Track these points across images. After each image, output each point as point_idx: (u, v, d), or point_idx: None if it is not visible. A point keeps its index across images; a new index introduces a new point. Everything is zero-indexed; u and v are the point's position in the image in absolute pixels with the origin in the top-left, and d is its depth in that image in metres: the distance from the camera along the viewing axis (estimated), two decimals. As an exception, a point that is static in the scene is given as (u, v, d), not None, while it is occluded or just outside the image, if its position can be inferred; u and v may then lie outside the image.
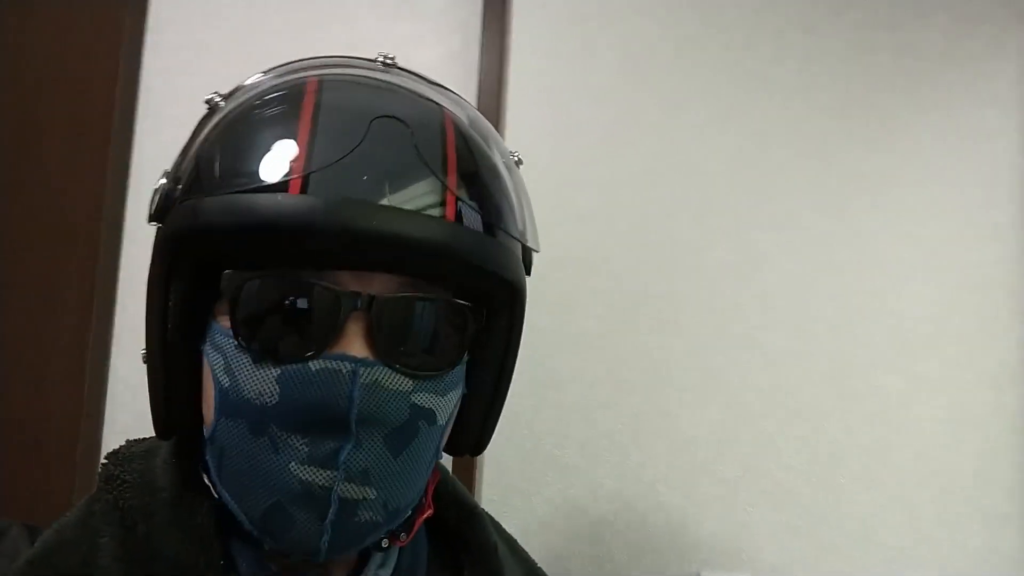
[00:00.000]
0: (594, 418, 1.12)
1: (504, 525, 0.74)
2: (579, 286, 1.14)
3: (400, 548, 0.63)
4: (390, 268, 0.54)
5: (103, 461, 0.63)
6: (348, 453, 0.51)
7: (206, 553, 0.56)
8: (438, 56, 1.23)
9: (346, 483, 0.52)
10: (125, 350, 1.26)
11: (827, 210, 1.10)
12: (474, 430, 0.65)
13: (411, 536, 0.63)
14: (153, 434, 0.64)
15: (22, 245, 1.25)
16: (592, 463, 1.12)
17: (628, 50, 1.16)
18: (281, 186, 0.51)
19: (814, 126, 1.11)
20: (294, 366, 0.52)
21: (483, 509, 0.73)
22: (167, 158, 1.30)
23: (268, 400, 0.52)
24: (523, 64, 1.18)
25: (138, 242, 1.26)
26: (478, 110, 0.66)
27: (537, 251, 0.64)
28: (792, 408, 1.08)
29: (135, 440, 0.66)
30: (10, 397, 1.24)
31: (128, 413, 1.25)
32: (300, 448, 0.51)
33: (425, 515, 0.64)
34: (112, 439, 1.25)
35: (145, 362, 0.60)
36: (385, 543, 0.60)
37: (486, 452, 1.08)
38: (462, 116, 0.61)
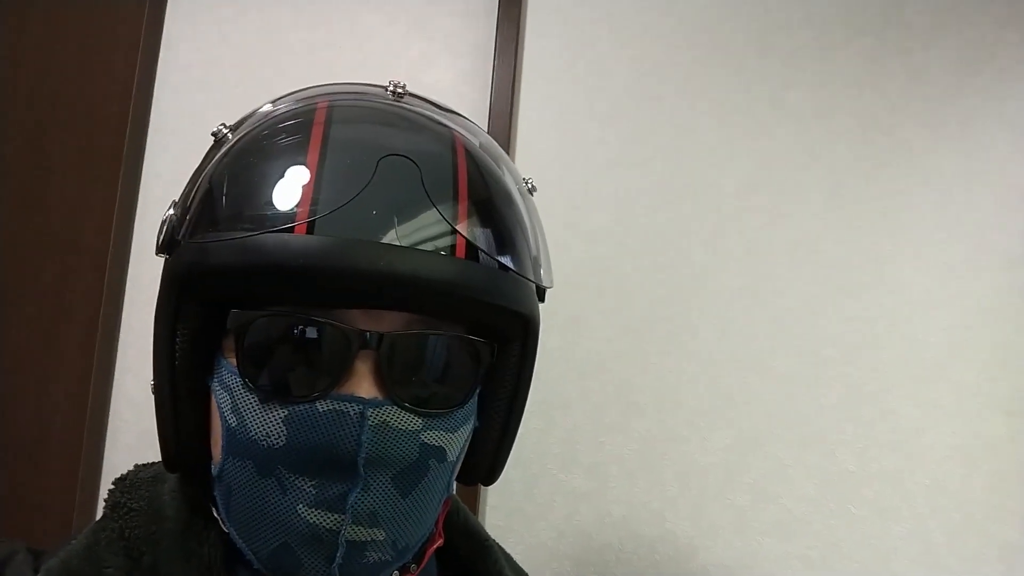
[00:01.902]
0: (602, 442, 1.10)
1: (509, 550, 0.73)
2: (588, 308, 1.13)
3: None
4: (400, 306, 0.53)
5: (110, 487, 0.62)
6: (356, 496, 0.51)
7: None
8: (450, 77, 1.23)
9: (354, 526, 0.51)
10: (130, 368, 1.25)
11: (841, 234, 1.08)
12: (486, 461, 0.64)
13: (421, 567, 0.62)
14: (159, 455, 0.64)
15: (30, 262, 1.24)
16: (599, 488, 1.10)
17: (639, 72, 1.15)
18: (288, 227, 0.50)
19: (827, 150, 1.10)
20: (301, 407, 0.51)
21: (494, 541, 0.72)
22: (176, 175, 1.30)
23: (275, 441, 0.51)
24: (534, 85, 1.17)
25: (145, 260, 1.26)
26: (489, 131, 0.66)
27: (550, 287, 0.63)
28: (804, 434, 1.06)
29: (142, 465, 0.65)
30: (14, 415, 1.23)
31: (131, 432, 1.24)
32: (307, 490, 0.51)
33: (436, 545, 0.63)
34: (115, 457, 1.24)
35: (153, 393, 0.60)
36: None
37: (493, 475, 1.08)
38: (475, 144, 0.60)
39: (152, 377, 0.59)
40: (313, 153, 0.53)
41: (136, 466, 0.64)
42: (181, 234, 0.55)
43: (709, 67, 1.14)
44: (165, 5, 1.29)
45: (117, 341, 1.25)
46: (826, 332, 1.07)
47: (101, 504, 1.21)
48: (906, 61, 1.09)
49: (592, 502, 1.10)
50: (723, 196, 1.12)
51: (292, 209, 0.51)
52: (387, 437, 0.51)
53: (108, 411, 1.24)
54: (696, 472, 1.08)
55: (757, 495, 1.07)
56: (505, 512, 1.11)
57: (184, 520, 0.58)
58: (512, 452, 0.64)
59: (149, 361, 1.24)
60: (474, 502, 1.10)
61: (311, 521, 0.51)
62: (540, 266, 0.61)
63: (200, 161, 0.62)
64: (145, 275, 1.26)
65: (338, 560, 0.51)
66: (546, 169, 1.16)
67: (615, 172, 1.14)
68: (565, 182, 1.15)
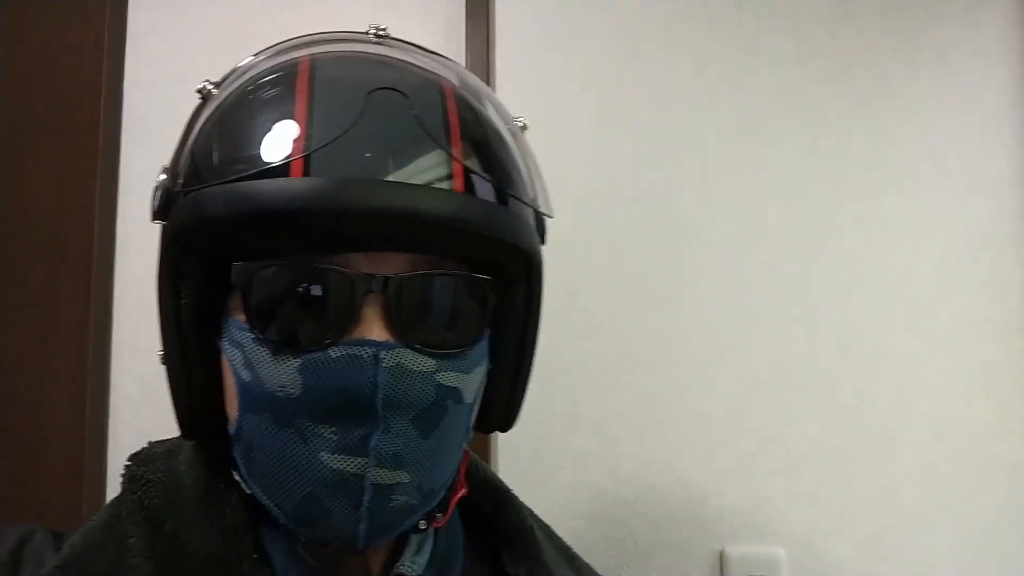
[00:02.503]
0: (605, 400, 1.11)
1: (522, 513, 0.73)
2: (581, 269, 1.13)
3: (435, 534, 0.63)
4: (402, 246, 0.53)
5: (126, 463, 0.63)
6: (377, 438, 0.51)
7: (238, 546, 0.56)
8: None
9: (378, 469, 0.51)
10: (125, 367, 1.23)
11: (826, 175, 1.10)
12: (501, 405, 0.64)
13: (447, 516, 0.62)
14: (170, 436, 0.64)
15: (13, 264, 1.22)
16: (607, 445, 1.11)
17: (615, 28, 1.15)
18: (282, 170, 0.50)
19: (808, 93, 1.11)
20: (314, 355, 0.51)
21: (515, 494, 0.72)
22: (155, 166, 1.28)
23: (291, 391, 0.51)
24: (509, 50, 1.17)
25: (130, 254, 1.24)
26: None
27: (551, 216, 0.63)
28: (804, 375, 1.08)
29: (156, 442, 0.65)
30: (10, 422, 1.21)
31: (132, 432, 1.23)
32: (328, 437, 0.51)
33: (460, 494, 0.63)
34: (117, 459, 1.22)
35: (163, 363, 0.59)
36: (423, 525, 0.59)
37: (499, 441, 1.08)
38: (461, 83, 0.60)
39: (160, 347, 0.59)
40: (301, 96, 0.53)
41: (150, 443, 0.65)
42: (175, 194, 0.55)
43: (685, 19, 1.14)
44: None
45: (110, 342, 1.23)
46: (818, 273, 1.09)
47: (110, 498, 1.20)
48: (877, -6, 1.10)
49: (600, 460, 1.11)
50: (707, 146, 1.12)
51: (284, 150, 0.50)
52: (403, 378, 0.51)
53: (108, 412, 1.22)
54: (700, 421, 1.10)
55: (762, 438, 1.09)
56: (514, 476, 1.10)
57: (203, 487, 0.58)
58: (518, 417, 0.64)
59: (143, 360, 1.23)
60: (484, 469, 1.10)
61: (334, 467, 0.50)
62: (538, 197, 0.61)
63: (187, 121, 0.61)
64: (132, 272, 1.24)
65: (365, 504, 0.51)
66: (528, 135, 1.15)
67: (598, 131, 1.14)
68: (548, 145, 1.14)
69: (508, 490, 0.73)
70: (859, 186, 1.09)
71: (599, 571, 0.76)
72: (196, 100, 0.60)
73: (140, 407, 1.23)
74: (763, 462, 1.08)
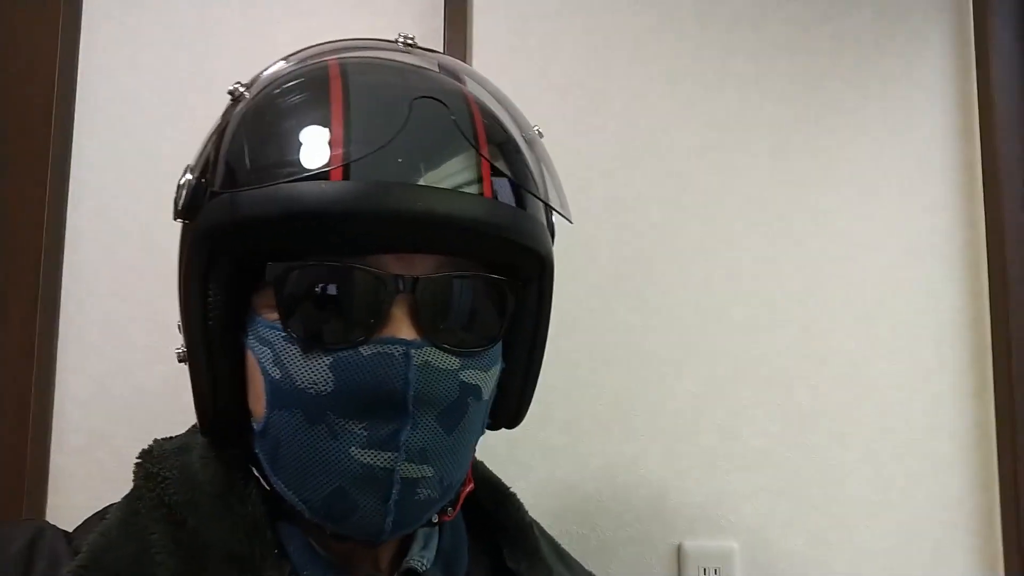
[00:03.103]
0: (576, 398, 1.14)
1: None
2: (556, 271, 1.15)
3: (441, 529, 0.65)
4: (431, 248, 0.55)
5: (136, 460, 0.62)
6: (407, 434, 0.52)
7: (260, 542, 0.57)
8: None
9: (407, 463, 0.53)
10: (73, 367, 1.17)
11: (786, 190, 1.17)
12: (512, 403, 0.67)
13: (457, 509, 0.64)
14: (151, 439, 0.64)
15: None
16: (576, 442, 1.14)
17: (589, 43, 1.19)
18: (323, 174, 0.51)
19: (769, 111, 1.18)
20: (346, 352, 0.52)
21: (513, 491, 0.75)
22: (108, 156, 1.23)
23: (323, 388, 0.52)
24: (486, 59, 1.19)
25: (81, 246, 1.19)
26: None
27: (571, 222, 0.66)
28: (763, 375, 1.15)
29: (164, 439, 0.65)
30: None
31: (79, 433, 1.17)
32: (359, 432, 0.52)
33: (468, 489, 0.66)
34: (62, 460, 1.16)
35: (181, 361, 0.60)
36: (435, 519, 0.62)
37: (474, 440, 1.09)
38: (484, 92, 0.63)
39: (183, 344, 0.59)
40: (336, 102, 0.55)
41: (156, 440, 0.64)
42: (207, 192, 0.56)
43: (657, 35, 1.20)
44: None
45: (57, 339, 1.17)
46: (778, 280, 1.16)
47: (50, 511, 1.14)
48: (831, 27, 1.19)
49: (570, 456, 1.14)
50: (676, 157, 1.18)
51: (326, 155, 0.52)
52: (431, 376, 0.53)
53: (52, 413, 1.16)
54: (666, 418, 1.14)
55: (723, 435, 1.14)
56: (486, 475, 1.13)
57: (222, 483, 0.59)
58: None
59: (92, 357, 1.18)
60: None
61: (365, 462, 0.52)
62: (557, 201, 0.64)
63: (217, 121, 0.62)
64: (83, 265, 1.19)
65: (394, 497, 0.53)
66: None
67: (573, 139, 1.18)
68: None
69: (507, 487, 0.75)
70: (813, 200, 1.17)
71: None
72: (233, 84, 0.60)
73: (88, 407, 1.17)
74: (722, 458, 1.14)
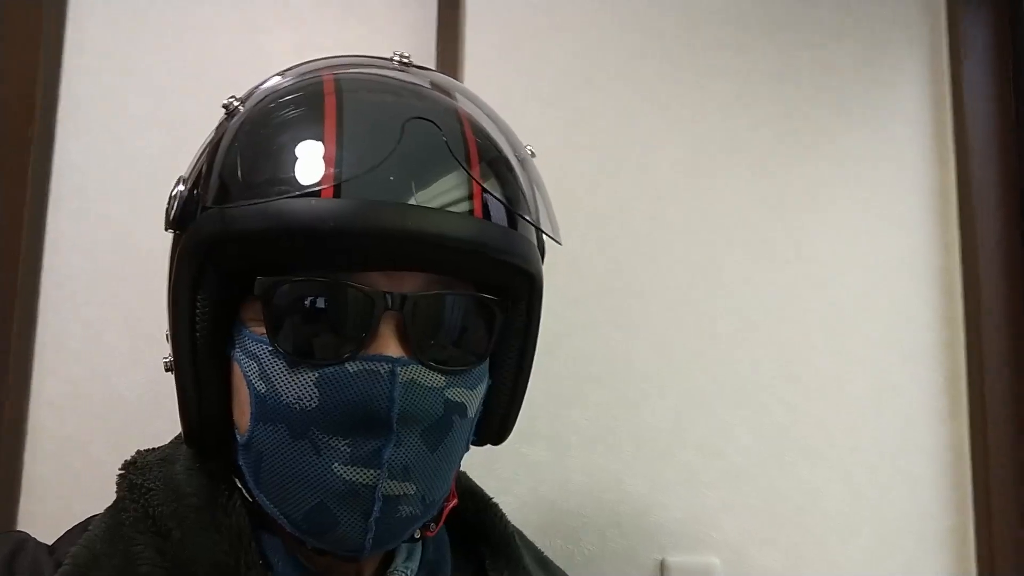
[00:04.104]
0: (560, 414, 1.15)
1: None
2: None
3: (424, 541, 0.65)
4: (420, 266, 0.56)
5: (119, 472, 0.62)
6: (391, 451, 0.53)
7: (244, 553, 0.57)
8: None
9: (389, 480, 0.53)
10: (48, 368, 1.15)
11: (768, 211, 1.20)
12: (497, 420, 0.68)
13: (440, 525, 0.65)
14: (128, 446, 0.64)
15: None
16: (559, 458, 1.15)
17: (579, 59, 1.21)
18: (314, 191, 0.52)
19: (752, 135, 1.21)
20: (331, 369, 0.52)
21: (495, 501, 0.75)
22: (90, 159, 1.21)
23: (308, 404, 0.52)
24: (476, 73, 1.20)
25: (60, 250, 1.17)
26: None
27: (559, 243, 0.66)
28: (743, 392, 1.17)
29: (146, 450, 0.65)
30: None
31: (53, 440, 1.14)
32: (342, 449, 0.52)
33: (451, 504, 0.66)
34: (36, 467, 1.13)
35: (168, 370, 0.60)
36: (417, 534, 0.62)
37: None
38: (477, 111, 0.63)
39: (170, 353, 0.59)
40: (330, 119, 0.55)
41: (139, 451, 0.64)
42: (198, 205, 0.55)
43: (643, 58, 1.22)
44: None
45: (34, 342, 1.15)
46: (758, 299, 1.19)
47: (21, 517, 1.12)
48: (816, 54, 1.22)
49: (553, 472, 1.14)
50: (661, 176, 1.20)
51: (318, 173, 0.52)
52: (416, 394, 0.53)
53: (27, 417, 1.13)
54: (648, 434, 1.16)
55: (703, 451, 1.16)
56: (469, 488, 1.13)
57: (205, 495, 0.58)
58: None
59: (70, 362, 1.16)
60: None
61: (347, 478, 0.52)
62: (546, 221, 0.65)
63: (211, 134, 0.62)
64: (61, 269, 1.16)
65: (375, 514, 0.53)
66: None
67: (560, 155, 1.20)
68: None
69: (489, 498, 0.76)
70: (794, 222, 1.20)
71: None
72: (228, 98, 0.60)
73: (64, 413, 1.14)
74: (703, 474, 1.15)
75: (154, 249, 1.12)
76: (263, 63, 1.12)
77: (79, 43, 1.21)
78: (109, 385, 1.14)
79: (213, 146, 0.58)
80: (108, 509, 0.60)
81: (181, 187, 0.58)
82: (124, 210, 1.17)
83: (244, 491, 0.59)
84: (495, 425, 0.67)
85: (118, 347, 1.14)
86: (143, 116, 1.19)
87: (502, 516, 0.74)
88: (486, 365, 0.62)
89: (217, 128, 0.61)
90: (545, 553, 0.81)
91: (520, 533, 0.78)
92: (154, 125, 1.19)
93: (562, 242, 0.66)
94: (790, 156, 1.21)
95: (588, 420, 1.15)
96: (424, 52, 1.21)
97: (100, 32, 1.21)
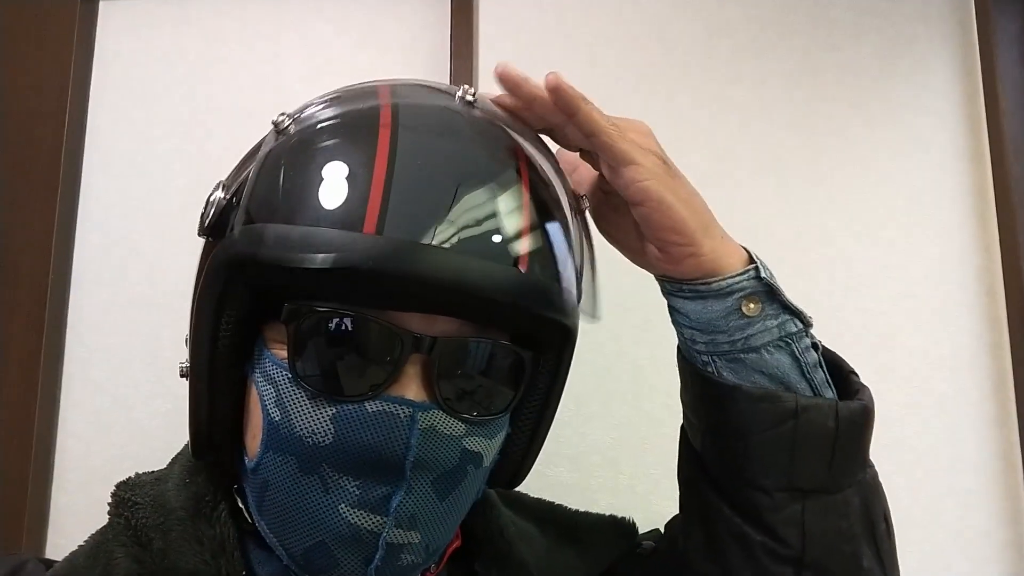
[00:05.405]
0: (583, 432, 1.12)
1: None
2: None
3: None
4: (455, 313, 0.54)
5: (112, 491, 0.62)
6: (400, 498, 0.51)
7: (226, 563, 0.56)
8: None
9: (395, 528, 0.52)
10: (76, 402, 1.17)
11: (793, 218, 1.15)
12: (512, 467, 0.65)
13: (440, 567, 0.63)
14: (120, 478, 0.64)
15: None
16: (584, 479, 1.11)
17: (593, 77, 1.20)
18: (357, 223, 0.50)
19: (773, 141, 1.17)
20: (350, 406, 0.51)
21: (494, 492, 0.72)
22: (116, 193, 1.24)
23: (321, 440, 0.51)
24: (491, 86, 1.19)
25: (86, 283, 1.19)
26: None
27: (597, 320, 0.66)
28: (774, 407, 1.12)
29: (144, 473, 0.65)
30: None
31: (80, 471, 1.16)
32: (351, 490, 0.51)
33: (454, 546, 0.65)
34: (63, 499, 1.15)
35: (183, 375, 0.59)
36: None
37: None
38: (537, 162, 0.61)
39: (187, 359, 0.58)
40: (382, 155, 0.53)
41: (136, 473, 0.64)
42: (236, 218, 0.54)
43: (660, 69, 1.20)
44: (96, 19, 1.24)
45: (61, 375, 1.17)
46: (787, 309, 1.14)
47: (50, 548, 1.13)
48: (835, 56, 1.18)
49: (578, 493, 1.10)
50: (682, 187, 1.17)
51: (363, 207, 0.50)
52: (434, 441, 0.52)
53: (54, 450, 1.15)
54: (676, 453, 1.11)
55: (736, 469, 1.11)
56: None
57: (192, 509, 0.58)
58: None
59: (96, 395, 1.17)
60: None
61: (352, 522, 0.51)
62: (588, 282, 0.65)
63: (256, 145, 0.60)
64: (87, 304, 1.19)
65: (376, 562, 0.52)
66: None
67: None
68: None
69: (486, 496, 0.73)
70: (822, 229, 1.15)
71: None
72: (279, 115, 0.58)
73: (90, 444, 1.16)
74: (736, 493, 1.10)
75: (179, 282, 1.13)
76: (286, 95, 1.14)
77: (105, 79, 1.24)
78: (133, 416, 1.16)
79: (260, 161, 0.57)
80: (98, 530, 0.62)
81: (220, 193, 0.57)
82: (149, 243, 1.19)
83: (244, 511, 0.59)
84: (509, 472, 0.65)
85: (142, 379, 1.16)
86: (169, 149, 1.22)
87: (487, 512, 0.70)
88: (507, 415, 0.60)
89: (263, 142, 0.59)
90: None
91: (519, 502, 0.77)
92: (177, 157, 1.21)
93: (599, 318, 0.66)
94: (815, 160, 1.16)
95: (612, 439, 1.12)
96: (439, 77, 1.22)
97: (125, 67, 1.25)
